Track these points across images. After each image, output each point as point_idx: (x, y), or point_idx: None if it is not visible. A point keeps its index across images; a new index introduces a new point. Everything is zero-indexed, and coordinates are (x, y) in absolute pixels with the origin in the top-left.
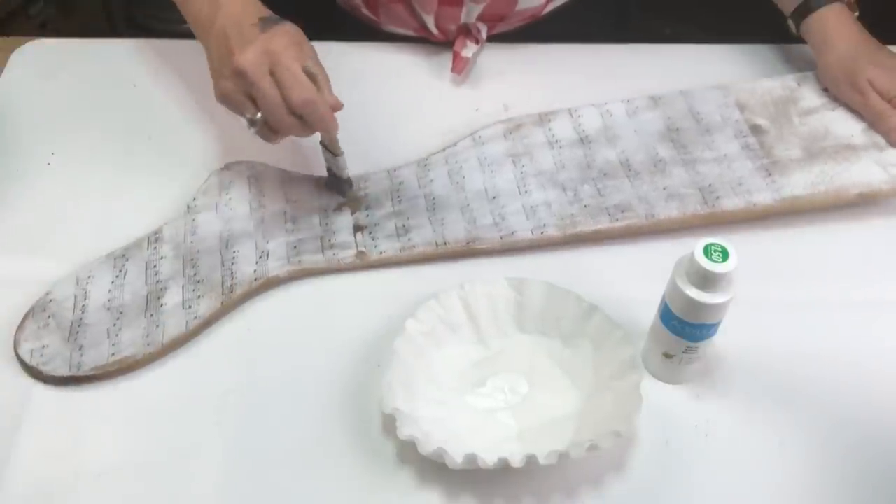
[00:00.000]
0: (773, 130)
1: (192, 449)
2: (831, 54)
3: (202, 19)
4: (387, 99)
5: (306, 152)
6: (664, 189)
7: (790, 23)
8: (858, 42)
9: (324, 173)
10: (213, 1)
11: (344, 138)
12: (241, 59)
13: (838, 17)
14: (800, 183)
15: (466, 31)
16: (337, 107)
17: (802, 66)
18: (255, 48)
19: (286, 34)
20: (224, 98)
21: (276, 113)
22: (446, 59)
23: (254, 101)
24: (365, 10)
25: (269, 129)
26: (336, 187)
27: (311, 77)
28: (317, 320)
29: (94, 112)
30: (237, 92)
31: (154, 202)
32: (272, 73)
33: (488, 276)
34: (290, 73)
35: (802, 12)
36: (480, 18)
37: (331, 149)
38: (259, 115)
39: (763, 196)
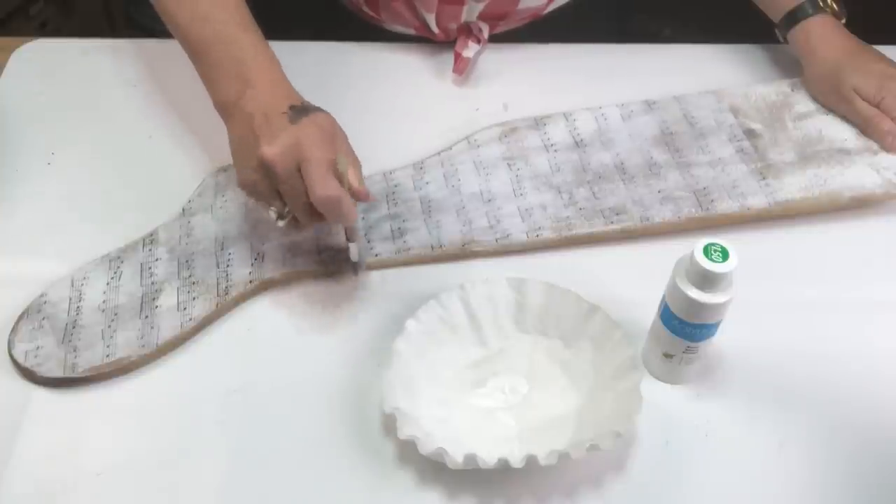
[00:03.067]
0: (767, 134)
1: (192, 449)
2: (816, 65)
3: (227, 98)
4: (387, 99)
5: None
6: (659, 192)
7: (778, 33)
8: (842, 51)
9: None
10: (240, 81)
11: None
12: (268, 151)
13: (822, 27)
14: (794, 186)
15: (468, 31)
16: (363, 197)
17: (801, 67)
18: (284, 140)
19: (316, 126)
20: (248, 188)
21: (301, 209)
22: (447, 59)
23: (279, 194)
24: (366, 9)
25: (296, 222)
26: (350, 268)
27: (339, 173)
28: (317, 320)
29: (93, 112)
30: (263, 184)
31: (151, 203)
32: (299, 169)
33: (488, 276)
34: (316, 171)
35: (789, 23)
36: (482, 17)
37: (347, 235)
38: (287, 209)
39: (757, 199)
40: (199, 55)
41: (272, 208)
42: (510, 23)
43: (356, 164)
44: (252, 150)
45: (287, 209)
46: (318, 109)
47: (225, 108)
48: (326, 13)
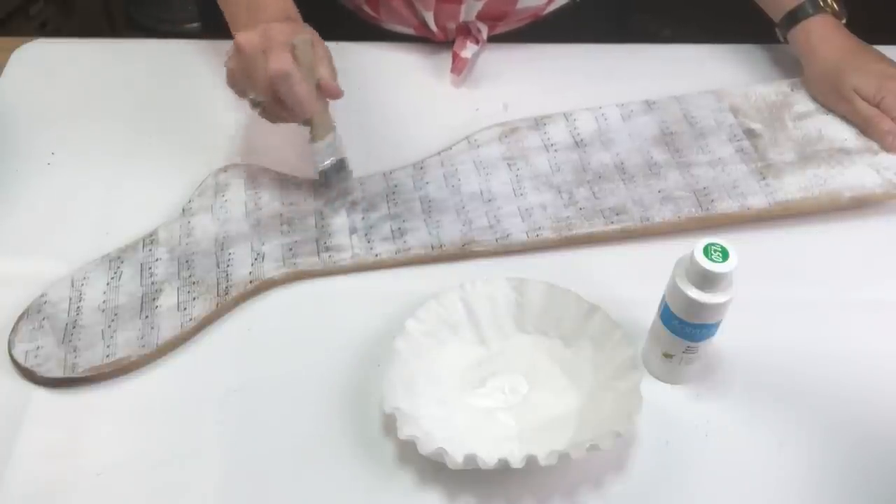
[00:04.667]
0: (767, 134)
1: (192, 449)
2: (816, 65)
3: (240, 25)
4: (387, 99)
5: (303, 154)
6: (659, 192)
7: (778, 32)
8: (842, 51)
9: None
10: (254, 7)
11: (342, 139)
12: (240, 37)
13: (823, 27)
14: (793, 186)
15: (466, 31)
16: (331, 90)
17: (801, 67)
18: (258, 30)
19: (290, 24)
20: (230, 79)
21: (263, 92)
22: (446, 59)
23: (251, 81)
24: (366, 7)
25: (268, 111)
26: (322, 179)
27: (306, 57)
28: (317, 320)
29: (93, 112)
30: (238, 71)
31: (151, 203)
32: (265, 53)
33: (488, 276)
34: (274, 49)
35: (789, 23)
36: (480, 17)
37: (311, 131)
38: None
39: (757, 199)
40: (227, 5)
41: (249, 96)
42: (509, 23)
43: (330, 62)
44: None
45: (259, 98)
46: (307, 26)
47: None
48: (325, 12)
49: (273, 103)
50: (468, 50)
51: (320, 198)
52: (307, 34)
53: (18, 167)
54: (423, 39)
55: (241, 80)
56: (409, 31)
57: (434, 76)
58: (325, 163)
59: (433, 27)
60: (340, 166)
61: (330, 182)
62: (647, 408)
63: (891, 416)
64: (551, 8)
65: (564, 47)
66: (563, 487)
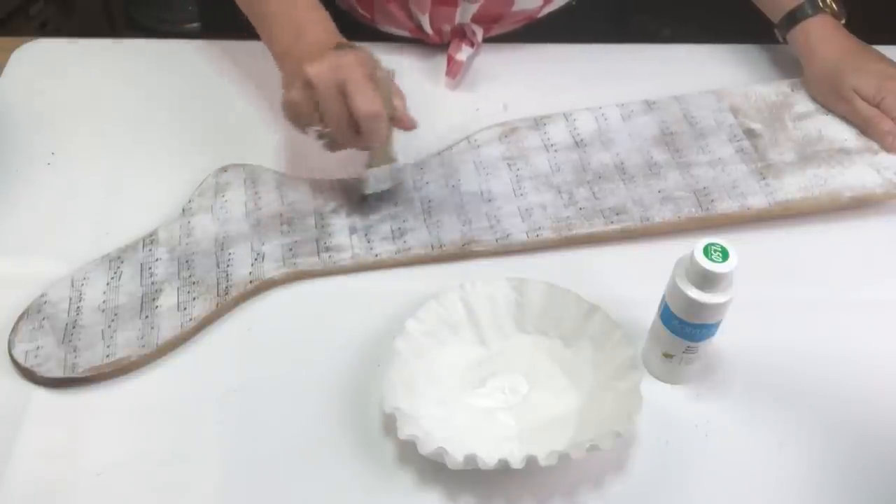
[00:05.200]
0: (767, 134)
1: (192, 449)
2: (815, 65)
3: (283, 47)
4: None
5: (303, 154)
6: (659, 192)
7: (777, 33)
8: (842, 51)
9: (318, 176)
10: (297, 29)
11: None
12: (310, 70)
13: (822, 27)
14: (793, 186)
15: (461, 34)
16: (409, 124)
17: (801, 67)
18: (326, 62)
19: (357, 54)
20: (291, 107)
21: (340, 127)
22: (443, 58)
23: (320, 114)
24: (360, 9)
25: (335, 142)
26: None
27: (385, 90)
28: (317, 320)
29: (93, 112)
30: (305, 103)
31: (151, 203)
32: (341, 87)
33: (488, 276)
34: (359, 87)
35: (788, 23)
36: (475, 20)
37: (371, 159)
38: (328, 129)
39: (757, 199)
40: (260, 15)
41: (314, 128)
42: (504, 25)
43: (401, 93)
44: (297, 72)
45: (326, 129)
46: (363, 48)
47: (280, 54)
48: None
49: (347, 137)
50: (463, 53)
51: (319, 199)
52: (368, 59)
53: (18, 167)
54: (417, 41)
55: (308, 113)
56: (404, 33)
57: (434, 77)
58: (371, 190)
59: (428, 30)
60: (388, 196)
61: (369, 205)
62: (647, 408)
63: (891, 417)
64: (546, 10)
65: (564, 47)
66: (563, 487)
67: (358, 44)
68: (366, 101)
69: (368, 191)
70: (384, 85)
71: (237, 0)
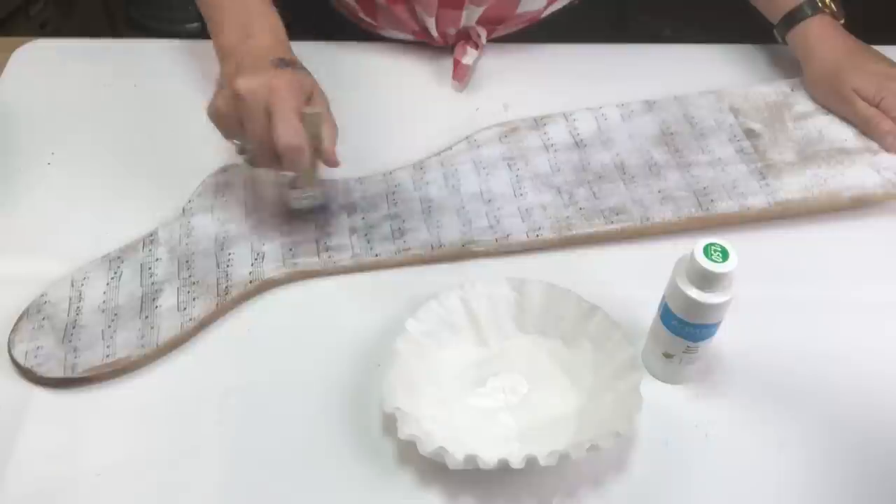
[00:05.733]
0: (767, 134)
1: (192, 449)
2: (815, 66)
3: (227, 44)
4: (387, 99)
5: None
6: (659, 192)
7: (776, 34)
8: (842, 51)
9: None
10: (242, 29)
11: (342, 139)
12: (242, 83)
13: (821, 27)
14: (794, 186)
15: (466, 36)
16: (332, 163)
17: (801, 67)
18: (260, 79)
19: (295, 78)
20: (214, 114)
21: (261, 150)
22: (446, 60)
23: (243, 130)
24: (363, 15)
25: (254, 159)
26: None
27: (312, 122)
28: (317, 320)
29: (94, 112)
30: (229, 115)
31: (151, 203)
32: (267, 110)
33: (488, 276)
34: (284, 116)
35: (787, 24)
36: (480, 22)
37: (295, 181)
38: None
39: (757, 199)
40: (211, 11)
41: (235, 141)
42: (508, 26)
43: (334, 128)
44: (230, 79)
45: (248, 146)
46: (304, 69)
47: (223, 51)
48: (322, 21)
49: (266, 159)
50: (469, 56)
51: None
52: (306, 83)
53: (18, 167)
54: (420, 43)
55: (232, 125)
56: (409, 37)
57: (434, 77)
58: (296, 206)
59: (434, 33)
60: (318, 209)
61: (303, 216)
62: (647, 408)
63: (891, 416)
64: (549, 11)
65: (564, 47)
66: (564, 488)
67: (300, 63)
68: (287, 133)
69: (294, 206)
70: (312, 118)
71: None
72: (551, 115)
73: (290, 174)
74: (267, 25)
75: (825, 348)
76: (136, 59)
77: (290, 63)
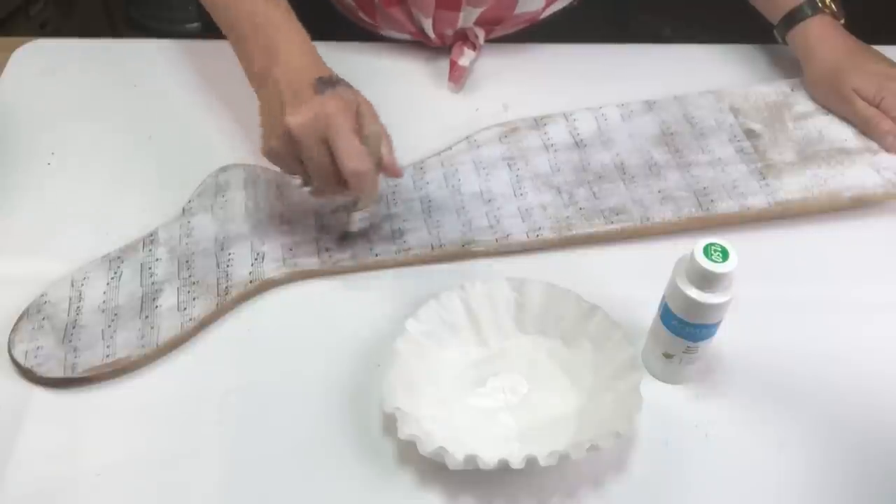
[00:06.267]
0: (767, 134)
1: (192, 449)
2: (815, 66)
3: (257, 69)
4: (387, 99)
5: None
6: (659, 192)
7: (776, 34)
8: (842, 51)
9: None
10: (269, 52)
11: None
12: (292, 121)
13: (821, 27)
14: (794, 186)
15: (463, 37)
16: (397, 174)
17: (801, 67)
18: (308, 111)
19: (341, 99)
20: (272, 157)
21: (326, 180)
22: (446, 59)
23: (302, 163)
24: (362, 14)
25: (318, 190)
26: (340, 237)
27: (369, 146)
28: (317, 320)
29: (93, 112)
30: (286, 154)
31: (151, 203)
32: (325, 140)
33: (488, 276)
34: (346, 143)
35: (787, 24)
36: (478, 23)
37: (356, 203)
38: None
39: (757, 199)
40: (232, 30)
41: (296, 180)
42: (506, 27)
43: (388, 138)
44: (278, 119)
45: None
46: (344, 82)
47: (256, 79)
48: (321, 21)
49: (332, 189)
50: (465, 58)
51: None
52: (352, 99)
53: (18, 167)
54: (419, 43)
55: (290, 162)
56: (406, 37)
57: (434, 77)
58: (355, 229)
59: (431, 34)
60: (365, 232)
61: (348, 241)
62: (647, 408)
63: (891, 416)
64: (548, 12)
65: (564, 47)
66: (564, 488)
67: (338, 76)
68: (352, 158)
69: (353, 229)
70: (372, 135)
71: (204, 3)
72: (551, 115)
73: (349, 199)
74: (291, 38)
75: (825, 348)
76: (136, 59)
77: (329, 82)
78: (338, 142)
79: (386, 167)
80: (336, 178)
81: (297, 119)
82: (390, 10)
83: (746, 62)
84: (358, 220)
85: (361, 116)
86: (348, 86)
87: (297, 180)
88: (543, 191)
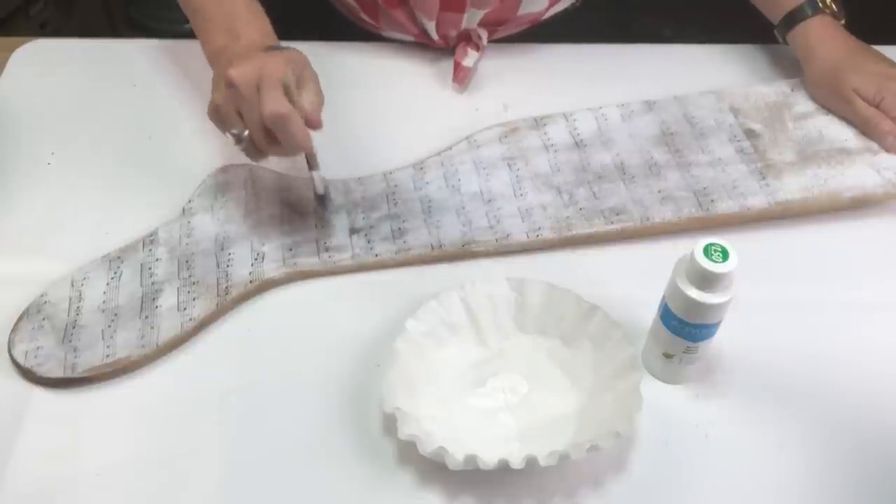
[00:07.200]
0: (768, 135)
1: (192, 449)
2: (816, 66)
3: (217, 47)
4: (387, 99)
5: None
6: (659, 192)
7: (777, 34)
8: (842, 51)
9: None
10: (231, 34)
11: (343, 139)
12: (233, 71)
13: (821, 27)
14: (794, 186)
15: (467, 38)
16: (313, 123)
17: (801, 67)
18: (251, 63)
19: (284, 55)
20: (214, 111)
21: (256, 128)
22: (446, 61)
23: (241, 116)
24: (364, 16)
25: (254, 147)
26: (318, 202)
27: (289, 90)
28: (317, 320)
29: (93, 112)
30: (226, 105)
31: (151, 203)
32: (259, 88)
33: (488, 276)
34: (268, 88)
35: (788, 24)
36: (481, 24)
37: (308, 162)
38: (246, 131)
39: (757, 199)
40: (196, 11)
41: (232, 131)
42: (509, 28)
43: (319, 95)
44: (223, 73)
45: (245, 132)
46: (296, 50)
47: (214, 56)
48: (324, 21)
49: (263, 140)
50: (469, 58)
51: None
52: (297, 60)
53: (18, 167)
54: (421, 44)
55: (229, 115)
56: (409, 38)
57: (434, 77)
58: (322, 188)
59: (434, 36)
60: (328, 191)
61: (325, 204)
62: (647, 408)
63: (891, 416)
64: (551, 13)
65: (565, 48)
66: (564, 488)
67: (290, 45)
68: (270, 101)
69: (319, 192)
70: (289, 76)
71: None
72: (551, 115)
73: (300, 160)
74: (252, 19)
75: (825, 348)
76: (136, 59)
77: (278, 48)
78: (262, 88)
79: (306, 118)
80: (267, 129)
81: (237, 69)
82: (393, 12)
83: (746, 62)
84: (320, 180)
85: (304, 71)
86: (299, 52)
87: (231, 137)
88: (543, 191)
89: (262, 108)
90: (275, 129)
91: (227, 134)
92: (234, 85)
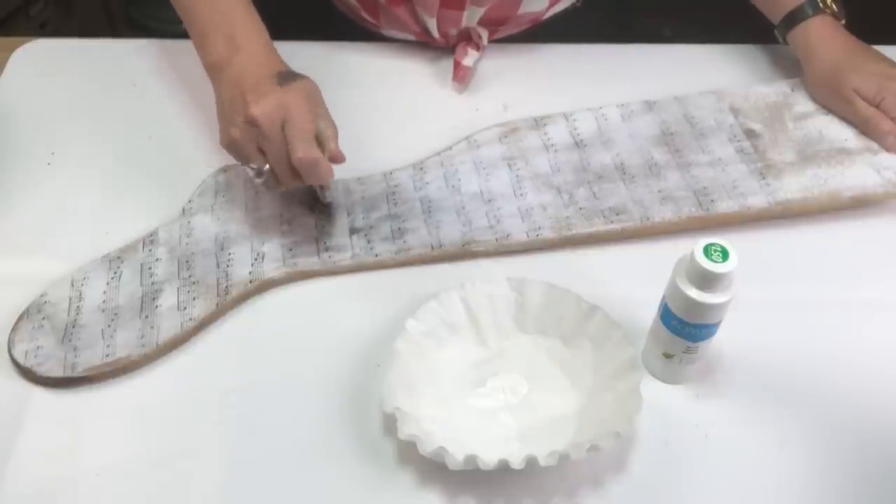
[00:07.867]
0: (768, 134)
1: (192, 449)
2: (816, 66)
3: (217, 59)
4: (387, 99)
5: None
6: (659, 192)
7: (777, 33)
8: (842, 51)
9: None
10: (230, 42)
11: (343, 139)
12: (255, 110)
13: (822, 27)
14: (794, 186)
15: (467, 37)
16: (338, 159)
17: (801, 67)
18: (271, 101)
19: (302, 90)
20: (232, 145)
21: (282, 166)
22: (447, 61)
23: (262, 152)
24: (365, 14)
25: (274, 180)
26: (320, 208)
27: (320, 137)
28: (317, 320)
29: (93, 112)
30: (247, 141)
31: (151, 203)
32: (283, 128)
33: (488, 276)
34: (298, 131)
35: (788, 24)
36: (482, 23)
37: (319, 191)
38: (267, 166)
39: (757, 199)
40: (191, 18)
41: (252, 165)
42: (510, 28)
43: (334, 129)
44: (240, 108)
45: (266, 167)
46: (304, 76)
47: (214, 69)
48: (324, 20)
49: (287, 177)
50: (469, 58)
51: (319, 200)
52: (313, 95)
53: (18, 167)
54: (421, 43)
55: (249, 150)
56: (410, 37)
57: (434, 77)
58: (328, 200)
59: (435, 33)
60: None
61: (327, 207)
62: (647, 408)
63: (891, 416)
64: (551, 12)
65: (565, 48)
66: (564, 488)
67: (296, 72)
68: (302, 149)
69: (326, 200)
70: (323, 134)
71: None
72: (551, 115)
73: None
74: (252, 32)
75: (825, 348)
76: (136, 59)
77: (289, 75)
78: (291, 132)
79: (332, 156)
80: (291, 166)
81: (259, 108)
82: (395, 10)
83: (746, 62)
84: (327, 193)
85: (316, 107)
86: (308, 78)
87: (251, 171)
88: (543, 191)
89: (294, 153)
90: (303, 172)
91: (247, 168)
92: (258, 125)
